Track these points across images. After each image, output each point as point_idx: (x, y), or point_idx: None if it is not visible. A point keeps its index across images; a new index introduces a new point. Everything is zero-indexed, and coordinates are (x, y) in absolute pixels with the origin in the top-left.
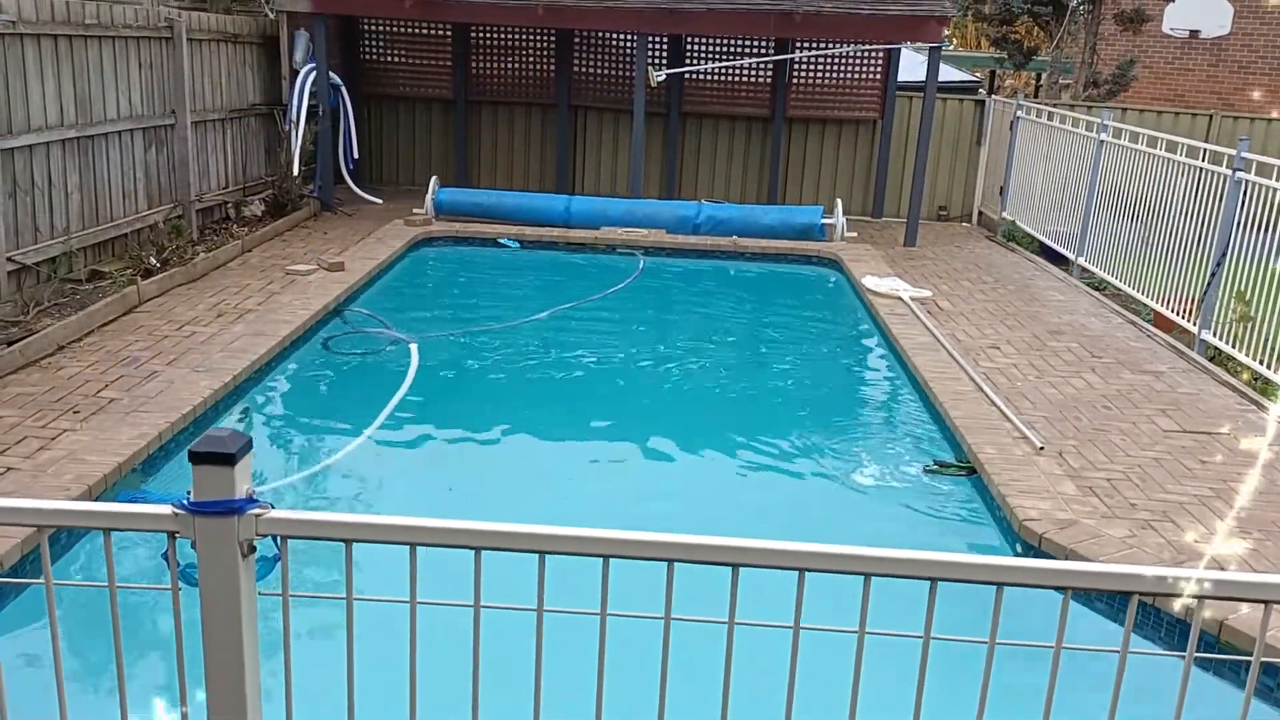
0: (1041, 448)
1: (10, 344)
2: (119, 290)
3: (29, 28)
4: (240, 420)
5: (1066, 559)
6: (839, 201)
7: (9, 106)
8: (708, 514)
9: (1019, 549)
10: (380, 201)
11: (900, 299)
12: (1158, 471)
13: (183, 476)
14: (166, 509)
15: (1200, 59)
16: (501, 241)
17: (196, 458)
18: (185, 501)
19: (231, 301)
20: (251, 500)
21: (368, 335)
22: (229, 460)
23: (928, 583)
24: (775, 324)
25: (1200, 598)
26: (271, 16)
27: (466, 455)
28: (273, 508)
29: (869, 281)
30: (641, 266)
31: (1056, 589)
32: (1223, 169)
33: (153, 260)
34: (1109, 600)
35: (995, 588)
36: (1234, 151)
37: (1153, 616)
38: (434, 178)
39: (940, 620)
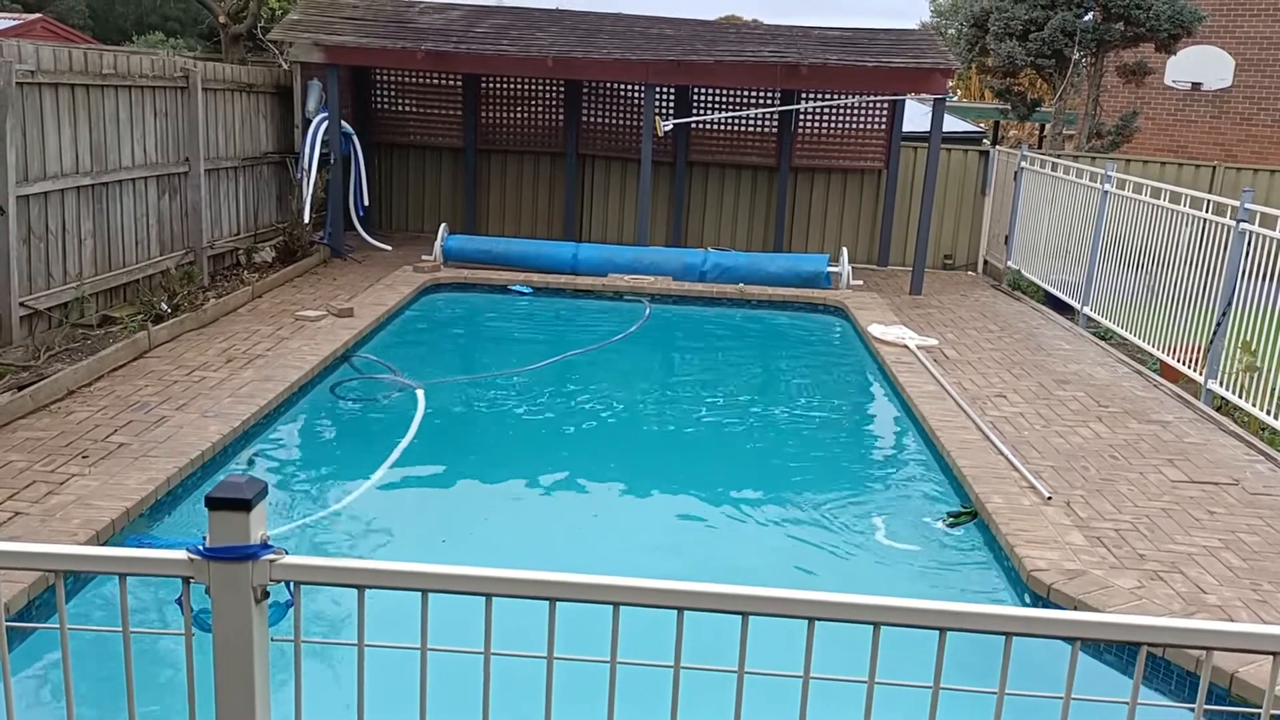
0: (1049, 497)
1: (21, 388)
2: (130, 335)
3: (47, 77)
4: (248, 465)
5: (1075, 609)
6: (844, 250)
7: (26, 154)
8: (714, 563)
9: (1027, 599)
10: (390, 248)
11: (907, 347)
12: (1166, 522)
13: (190, 522)
14: (182, 554)
15: (1202, 111)
16: (514, 288)
17: (213, 503)
18: (201, 547)
19: (241, 347)
20: (266, 546)
21: (376, 381)
22: (245, 506)
23: (936, 632)
24: (781, 371)
25: (1209, 649)
26: (285, 67)
27: (471, 502)
28: (286, 553)
29: (875, 330)
30: (648, 313)
31: (1066, 639)
32: (1227, 220)
33: (164, 306)
34: (1118, 652)
35: (1004, 638)
36: (1237, 203)
37: (1162, 669)
38: (443, 225)
39: (947, 668)
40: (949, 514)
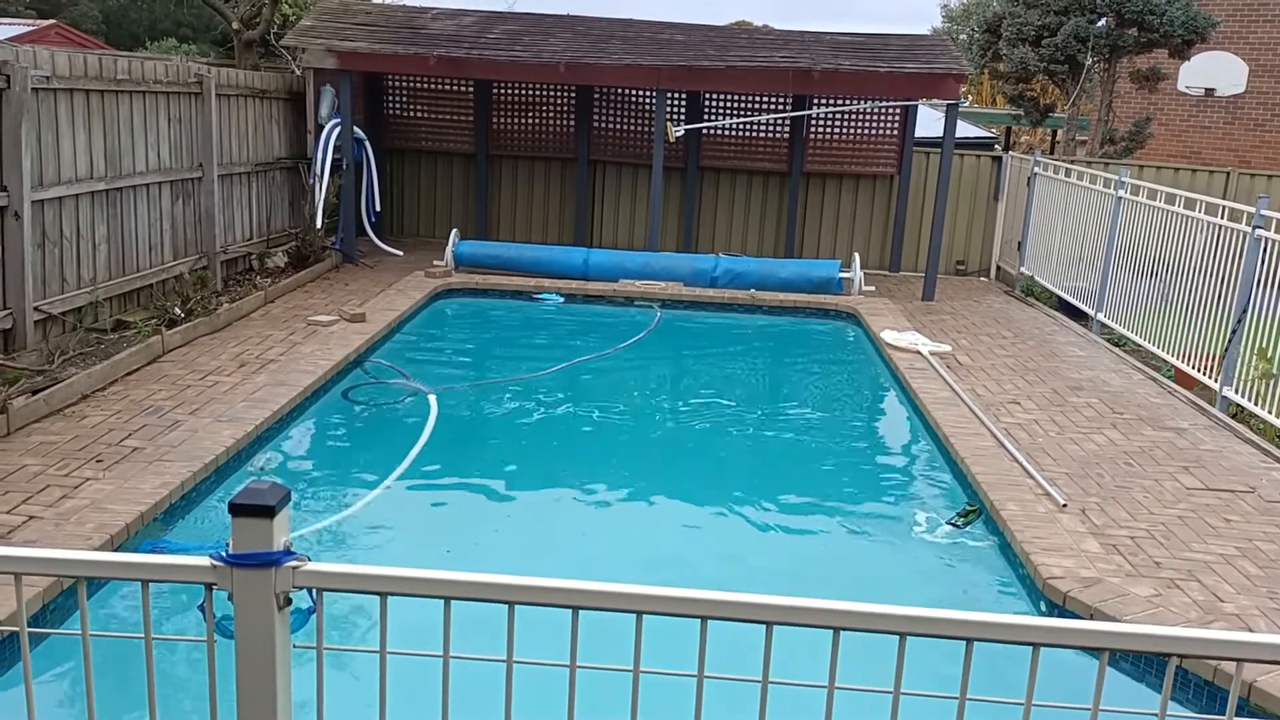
0: (1064, 504)
1: (35, 393)
2: (143, 340)
3: (61, 82)
4: (260, 471)
5: (1092, 618)
6: (856, 255)
7: (40, 159)
8: (726, 570)
9: (1043, 607)
10: (401, 254)
11: (919, 353)
12: (1182, 530)
13: (204, 527)
14: (205, 560)
15: (1216, 117)
16: (539, 297)
17: (237, 510)
18: (224, 553)
19: (254, 351)
20: (289, 553)
21: (388, 386)
22: (269, 513)
23: (961, 642)
24: (793, 378)
25: (1240, 660)
26: (298, 73)
27: (482, 510)
28: (309, 560)
29: (888, 336)
30: (658, 319)
31: (1095, 650)
32: (1242, 226)
33: (177, 310)
34: (1134, 660)
35: (1032, 648)
36: (1253, 209)
37: (1179, 677)
38: (454, 230)
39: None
40: (958, 514)
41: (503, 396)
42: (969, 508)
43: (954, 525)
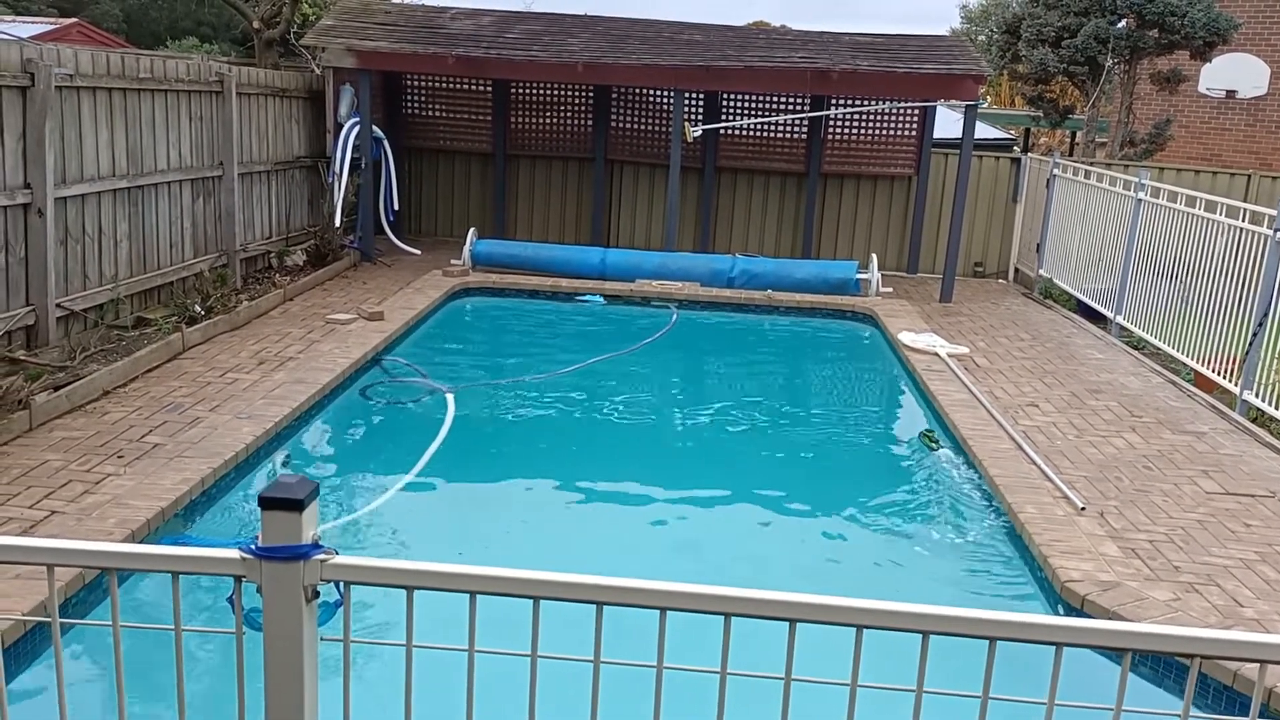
0: (1083, 508)
1: (57, 389)
2: (164, 337)
3: (85, 80)
4: (282, 467)
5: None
6: (874, 257)
7: (64, 157)
8: (747, 570)
9: (1061, 611)
10: (419, 253)
11: (937, 355)
12: (1201, 534)
13: (224, 522)
14: (234, 553)
15: (1237, 119)
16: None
17: (266, 503)
18: (253, 546)
19: (273, 349)
20: (317, 546)
21: (405, 384)
22: (297, 506)
23: (985, 642)
24: (810, 379)
25: (1264, 662)
26: (318, 72)
27: (499, 507)
28: (337, 553)
29: (905, 337)
30: (675, 319)
31: (1117, 650)
32: (1263, 229)
33: (197, 308)
34: (1153, 664)
35: (1055, 648)
36: (1274, 212)
37: (1199, 681)
38: (472, 230)
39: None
40: (927, 438)
41: (519, 395)
42: (926, 431)
43: (929, 446)
